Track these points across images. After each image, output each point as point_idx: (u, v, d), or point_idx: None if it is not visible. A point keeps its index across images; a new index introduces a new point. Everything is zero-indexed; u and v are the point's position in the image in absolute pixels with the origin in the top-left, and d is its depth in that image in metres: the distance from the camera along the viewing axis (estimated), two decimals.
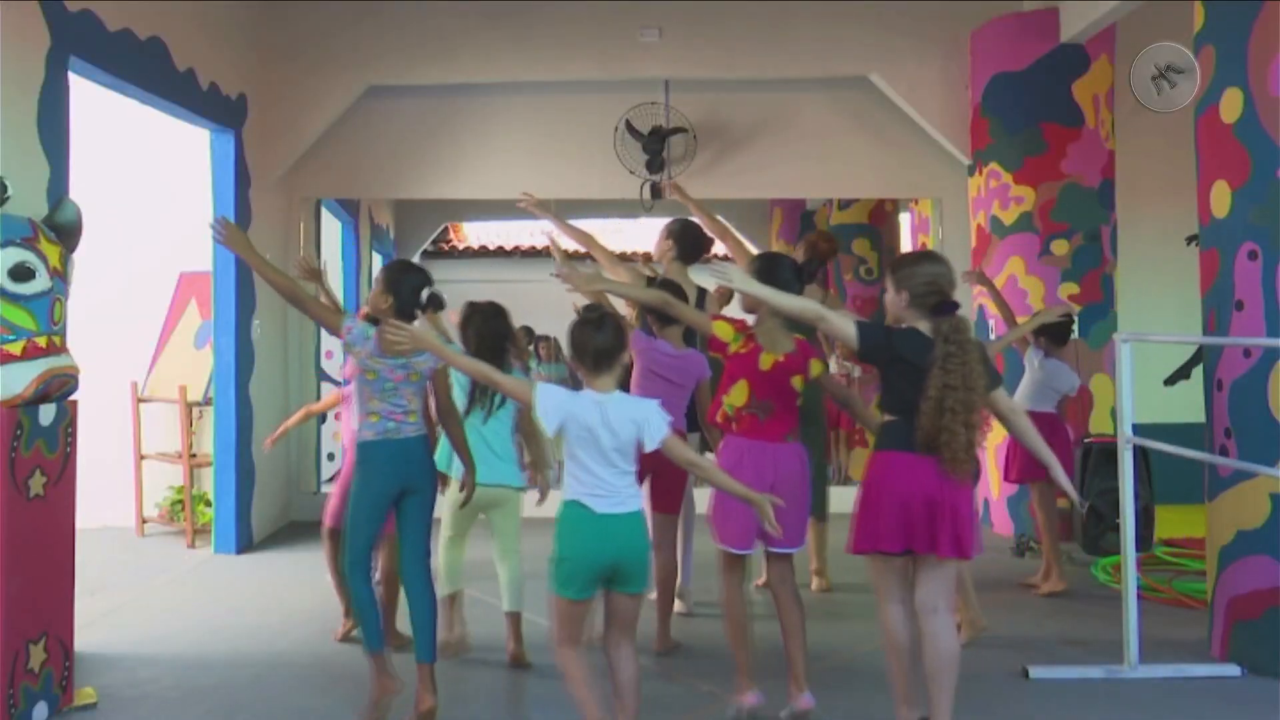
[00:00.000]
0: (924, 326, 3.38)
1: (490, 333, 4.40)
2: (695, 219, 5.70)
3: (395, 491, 3.87)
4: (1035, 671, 4.27)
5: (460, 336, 4.50)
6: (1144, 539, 5.94)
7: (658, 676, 4.32)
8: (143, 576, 6.17)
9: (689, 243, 5.21)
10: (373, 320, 3.91)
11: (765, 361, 3.74)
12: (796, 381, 3.79)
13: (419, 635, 3.87)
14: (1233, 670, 4.27)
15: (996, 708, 3.95)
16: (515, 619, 4.57)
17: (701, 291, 5.13)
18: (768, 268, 3.85)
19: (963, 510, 3.33)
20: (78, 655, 4.18)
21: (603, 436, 3.13)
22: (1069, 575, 5.98)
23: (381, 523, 3.94)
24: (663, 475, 4.50)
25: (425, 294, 3.89)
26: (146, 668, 4.46)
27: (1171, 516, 6.79)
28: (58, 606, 3.93)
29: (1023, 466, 5.56)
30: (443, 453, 4.39)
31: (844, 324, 3.46)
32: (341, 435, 4.89)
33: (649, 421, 3.16)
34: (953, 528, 3.31)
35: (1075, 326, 5.93)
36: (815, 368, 3.85)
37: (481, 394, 4.46)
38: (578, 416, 3.14)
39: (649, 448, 3.16)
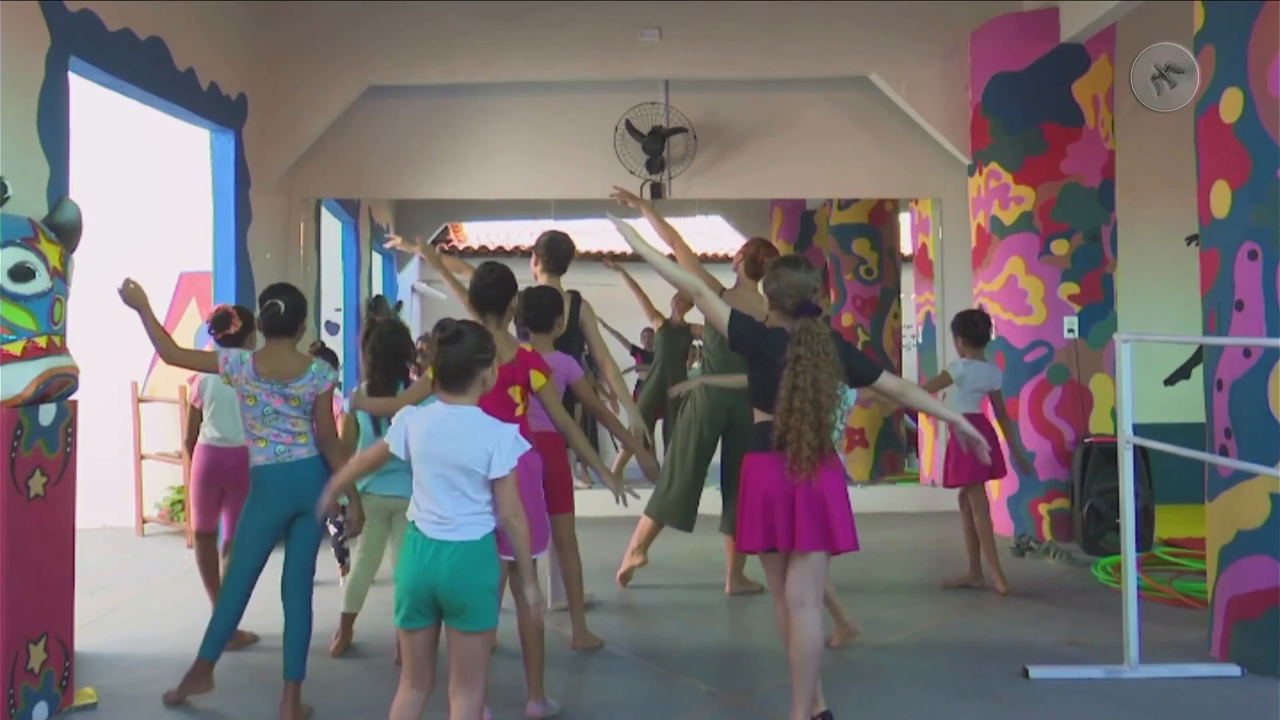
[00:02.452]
0: (789, 327, 3.45)
1: (385, 349, 4.52)
2: (649, 223, 5.62)
3: (288, 515, 3.94)
4: (1035, 671, 4.27)
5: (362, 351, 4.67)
6: (1144, 539, 5.95)
7: (658, 676, 4.33)
8: (143, 576, 6.16)
9: (555, 254, 5.14)
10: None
11: None
12: (514, 392, 3.75)
13: (290, 653, 3.87)
14: (1233, 670, 4.27)
15: (996, 708, 3.95)
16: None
17: (575, 299, 5.02)
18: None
19: (831, 503, 3.37)
20: (78, 655, 4.18)
21: (440, 451, 2.91)
22: (1068, 576, 6.01)
23: (271, 544, 4.01)
24: (551, 477, 4.42)
25: (269, 310, 3.98)
26: (146, 668, 4.47)
27: (1171, 516, 6.79)
28: (58, 606, 3.93)
29: (971, 469, 5.60)
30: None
31: (719, 306, 3.52)
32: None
33: (499, 448, 2.89)
34: (820, 521, 3.35)
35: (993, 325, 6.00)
36: (536, 379, 3.80)
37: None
38: (417, 427, 2.95)
39: (492, 475, 2.90)
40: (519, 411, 3.78)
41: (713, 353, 5.52)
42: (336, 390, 4.27)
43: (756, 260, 5.34)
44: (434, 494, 2.92)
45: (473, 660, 2.95)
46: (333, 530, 5.78)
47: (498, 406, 3.61)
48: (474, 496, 2.92)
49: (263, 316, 3.98)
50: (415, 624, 2.95)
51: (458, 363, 2.97)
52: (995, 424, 5.81)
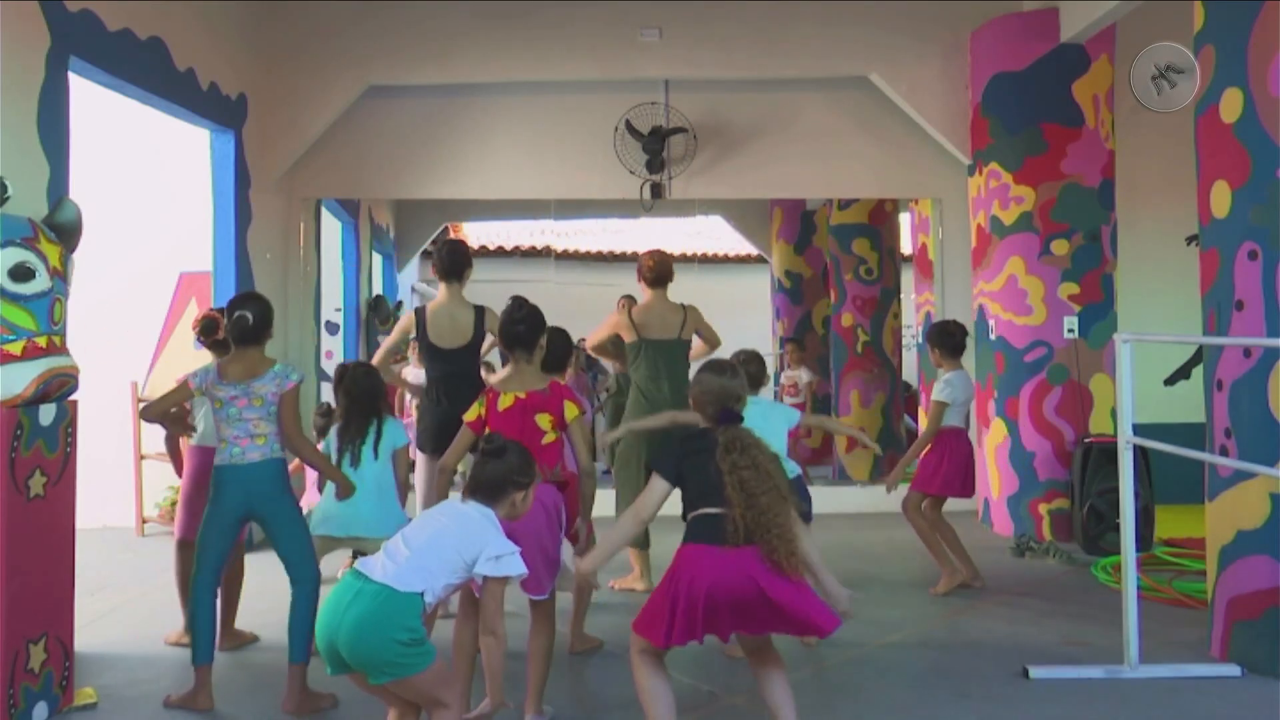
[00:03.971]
0: (715, 432, 3.31)
1: (360, 392, 4.54)
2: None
3: (242, 514, 3.99)
4: (1035, 671, 4.27)
5: (335, 398, 4.69)
6: (1144, 539, 5.95)
7: None
8: (143, 576, 6.16)
9: (440, 260, 5.16)
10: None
11: (504, 401, 3.73)
12: (543, 419, 3.72)
13: (294, 638, 3.92)
14: (1233, 670, 4.26)
15: (996, 708, 3.95)
16: None
17: (479, 312, 5.03)
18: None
19: (804, 589, 3.16)
20: (78, 655, 4.18)
21: (442, 524, 3.01)
22: (1068, 576, 6.01)
23: (231, 542, 4.06)
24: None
25: (238, 322, 4.00)
26: (146, 668, 4.47)
27: (1171, 516, 6.79)
28: (58, 606, 3.93)
29: (943, 483, 5.63)
30: (315, 515, 4.47)
31: (655, 489, 3.30)
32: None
33: (487, 551, 2.93)
34: (801, 609, 3.12)
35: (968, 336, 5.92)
36: (570, 410, 3.75)
37: (350, 440, 4.50)
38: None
39: (477, 570, 2.95)
40: (546, 440, 3.73)
41: (639, 373, 5.57)
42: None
43: (648, 266, 5.55)
44: (410, 537, 2.94)
45: (425, 696, 2.90)
46: None
47: (523, 433, 3.61)
48: (444, 561, 2.92)
49: (231, 327, 4.00)
50: (333, 671, 2.92)
51: (492, 480, 3.04)
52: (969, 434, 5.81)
